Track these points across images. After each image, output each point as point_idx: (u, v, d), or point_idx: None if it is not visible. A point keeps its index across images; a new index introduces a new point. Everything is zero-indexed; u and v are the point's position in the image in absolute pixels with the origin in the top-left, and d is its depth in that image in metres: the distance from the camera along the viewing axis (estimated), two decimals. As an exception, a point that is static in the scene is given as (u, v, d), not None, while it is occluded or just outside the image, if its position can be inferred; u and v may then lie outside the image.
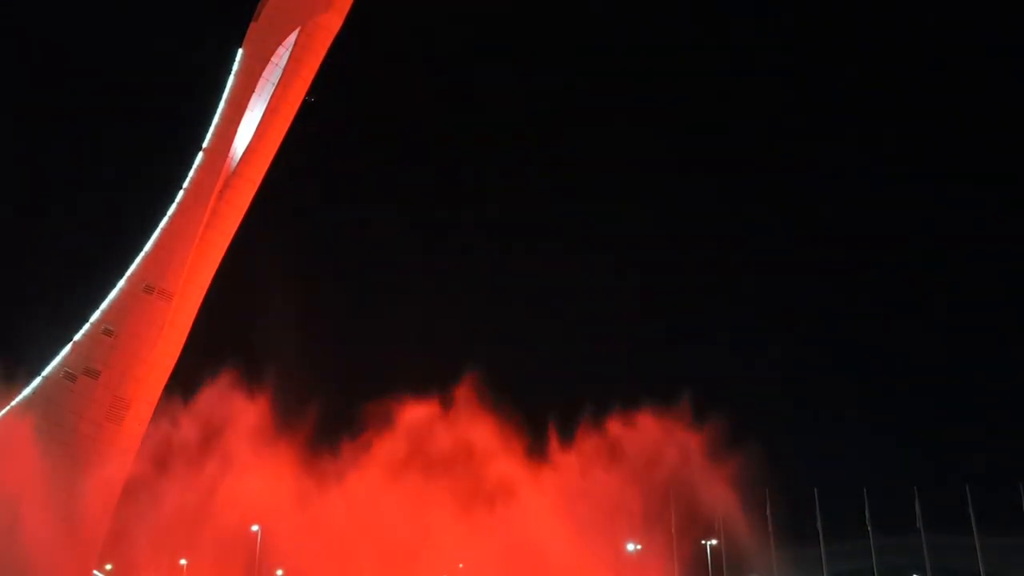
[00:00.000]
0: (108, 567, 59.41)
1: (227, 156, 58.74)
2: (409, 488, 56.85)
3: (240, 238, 60.39)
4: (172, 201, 58.40)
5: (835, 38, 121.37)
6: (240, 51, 60.10)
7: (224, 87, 59.63)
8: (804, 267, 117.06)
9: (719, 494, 64.59)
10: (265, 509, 57.51)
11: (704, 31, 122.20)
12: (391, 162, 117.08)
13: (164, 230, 58.00)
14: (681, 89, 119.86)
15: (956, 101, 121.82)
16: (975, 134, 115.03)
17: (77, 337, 56.81)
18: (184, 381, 58.35)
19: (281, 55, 59.64)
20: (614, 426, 60.28)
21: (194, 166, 58.74)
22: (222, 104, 59.42)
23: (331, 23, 60.74)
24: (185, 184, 58.47)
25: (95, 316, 57.07)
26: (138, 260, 57.71)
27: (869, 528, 70.40)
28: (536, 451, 60.31)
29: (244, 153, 59.31)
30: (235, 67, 59.86)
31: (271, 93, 59.49)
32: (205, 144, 58.97)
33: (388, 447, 58.50)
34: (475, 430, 58.83)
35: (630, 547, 62.99)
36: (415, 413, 59.15)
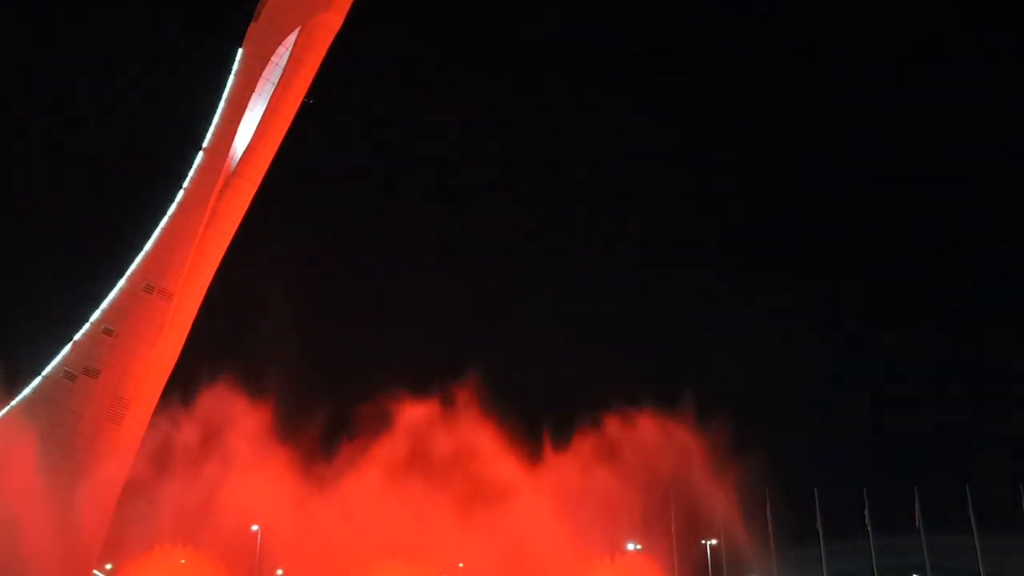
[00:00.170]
0: (108, 567, 59.41)
1: (227, 156, 58.74)
2: (408, 489, 56.86)
3: (240, 238, 60.42)
4: (172, 201, 58.38)
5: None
6: (240, 51, 60.08)
7: (224, 87, 59.60)
8: (804, 266, 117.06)
9: (719, 494, 64.64)
10: (264, 509, 57.54)
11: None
12: (389, 161, 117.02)
13: (164, 230, 57.99)
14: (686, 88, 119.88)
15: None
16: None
17: (77, 336, 56.82)
18: (184, 381, 58.45)
19: (281, 55, 59.62)
20: (614, 426, 60.32)
21: (194, 166, 58.74)
22: (222, 104, 59.42)
23: (331, 22, 60.72)
24: (185, 184, 58.47)
25: (95, 315, 57.08)
26: (138, 260, 57.71)
27: (869, 528, 70.39)
28: (535, 451, 60.37)
29: (244, 153, 59.31)
30: (235, 67, 59.86)
31: (271, 93, 59.44)
32: (205, 144, 58.97)
33: (387, 447, 58.53)
34: (474, 430, 58.85)
35: (630, 547, 62.99)
36: (414, 413, 59.17)
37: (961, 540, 69.32)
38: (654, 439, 60.15)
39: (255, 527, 61.37)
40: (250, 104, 59.35)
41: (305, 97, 60.53)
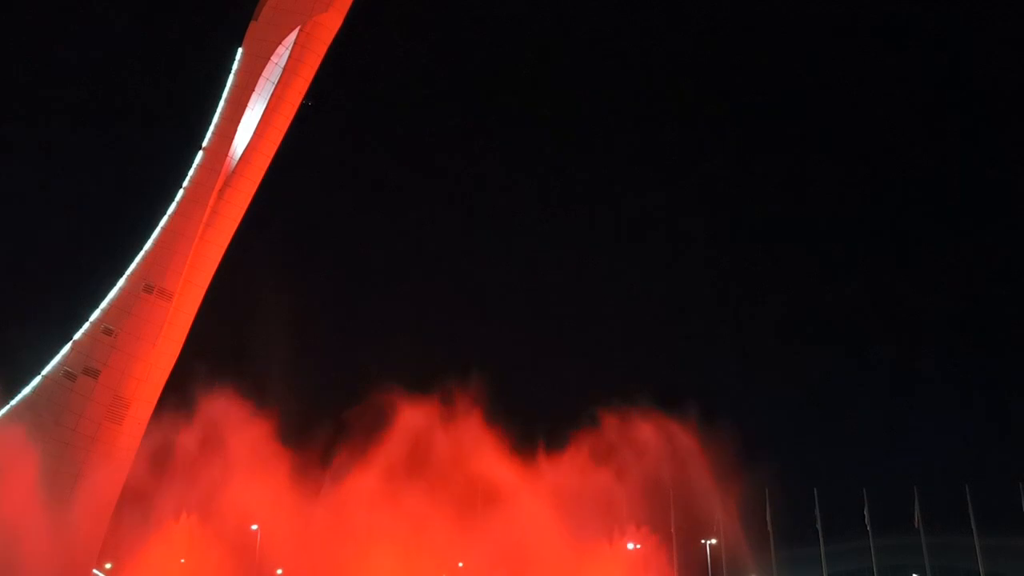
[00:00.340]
0: (108, 566, 59.44)
1: (227, 155, 58.65)
2: (407, 489, 56.84)
3: (240, 237, 60.39)
4: (172, 200, 58.35)
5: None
6: (240, 50, 60.03)
7: (224, 86, 59.55)
8: (804, 266, 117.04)
9: (719, 494, 64.64)
10: (264, 510, 57.54)
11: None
12: (386, 161, 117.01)
13: (164, 229, 57.95)
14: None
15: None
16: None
17: (77, 336, 56.80)
18: (184, 381, 58.43)
19: (281, 54, 59.55)
20: (613, 426, 60.28)
21: (194, 165, 58.67)
22: (222, 103, 59.34)
23: (331, 22, 60.62)
24: (185, 183, 58.39)
25: (95, 315, 57.06)
26: (138, 259, 57.67)
27: (869, 528, 70.41)
28: (535, 451, 60.35)
29: (244, 152, 59.23)
30: (235, 66, 59.78)
31: (271, 92, 59.41)
32: (205, 143, 58.90)
33: (386, 448, 58.50)
34: (473, 431, 58.83)
35: (630, 547, 62.98)
36: (413, 414, 59.15)
37: (961, 540, 69.34)
38: (654, 439, 60.15)
39: (255, 527, 61.44)
40: (250, 104, 59.24)
41: (304, 99, 60.46)
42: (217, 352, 63.70)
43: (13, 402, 55.84)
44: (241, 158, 59.18)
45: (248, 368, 63.79)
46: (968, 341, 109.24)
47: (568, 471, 59.03)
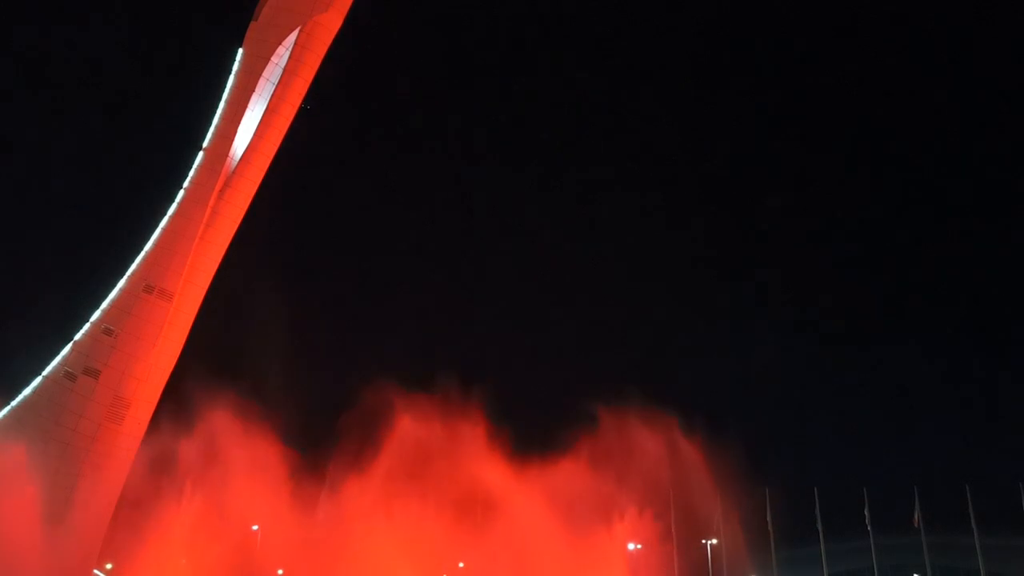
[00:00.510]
0: (108, 566, 59.45)
1: (227, 156, 58.61)
2: (406, 490, 56.88)
3: (240, 237, 60.37)
4: (172, 201, 58.33)
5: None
6: (240, 50, 59.99)
7: (224, 87, 59.52)
8: (804, 266, 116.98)
9: (719, 494, 64.65)
10: (264, 510, 57.57)
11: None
12: (386, 161, 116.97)
13: (164, 230, 57.93)
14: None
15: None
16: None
17: (77, 336, 56.79)
18: (183, 381, 58.46)
19: (281, 54, 59.52)
20: (614, 426, 60.29)
21: (194, 166, 58.65)
22: (222, 104, 59.30)
23: (331, 22, 60.61)
24: (185, 184, 58.37)
25: (95, 315, 57.05)
26: (138, 260, 57.66)
27: (869, 528, 70.40)
28: (534, 452, 60.36)
29: (244, 153, 59.21)
30: (235, 67, 59.73)
31: (271, 92, 59.38)
32: (205, 144, 58.87)
33: (384, 448, 58.54)
34: (472, 431, 58.87)
35: (630, 547, 63.02)
36: (412, 414, 59.18)
37: (961, 540, 69.36)
38: (654, 439, 60.18)
39: (255, 527, 61.46)
40: (250, 104, 59.20)
41: (303, 102, 60.43)
42: (217, 352, 63.79)
43: (13, 402, 55.84)
44: (241, 158, 59.16)
45: (248, 368, 63.89)
46: (968, 341, 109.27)
47: (568, 471, 59.04)
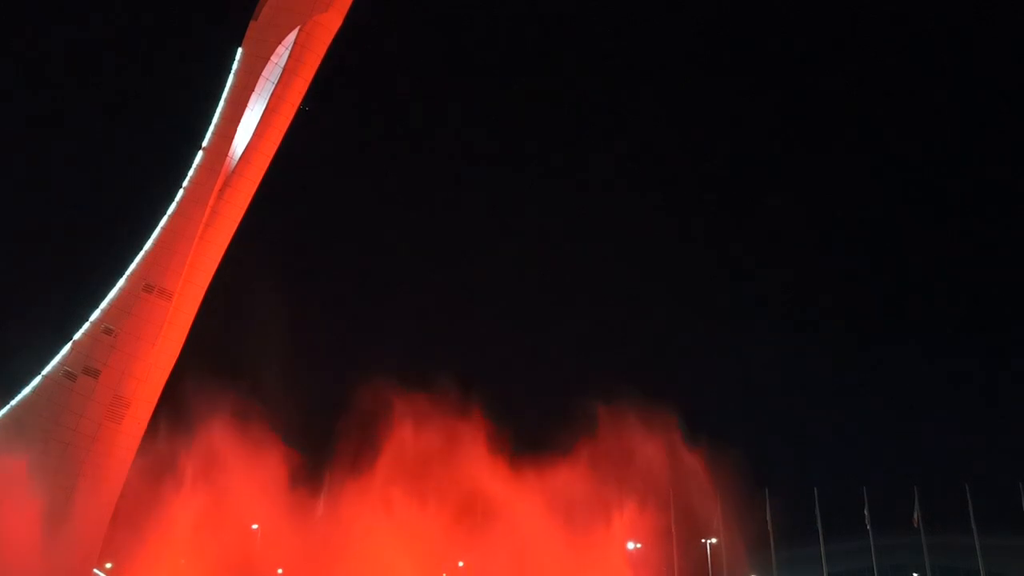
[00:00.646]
0: (108, 566, 59.45)
1: (227, 155, 58.62)
2: (406, 489, 56.89)
3: (239, 237, 60.38)
4: (172, 200, 58.33)
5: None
6: (240, 50, 59.98)
7: (224, 86, 59.52)
8: (804, 266, 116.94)
9: (719, 493, 64.62)
10: (263, 510, 57.57)
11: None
12: (386, 161, 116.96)
13: (164, 229, 57.92)
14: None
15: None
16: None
17: (77, 336, 56.77)
18: (183, 381, 58.45)
19: (281, 54, 59.51)
20: (614, 426, 60.28)
21: (194, 165, 58.65)
22: (222, 103, 59.28)
23: (331, 22, 60.61)
24: (185, 183, 58.36)
25: (95, 315, 57.03)
26: (138, 259, 57.65)
27: (869, 528, 70.36)
28: (535, 451, 60.36)
29: (244, 152, 59.22)
30: (235, 66, 59.72)
31: (271, 92, 59.38)
32: (205, 143, 58.85)
33: (384, 448, 58.55)
34: (471, 431, 58.88)
35: (630, 546, 63.04)
36: (411, 413, 59.18)
37: (961, 540, 69.32)
38: (653, 439, 60.18)
39: (255, 527, 61.46)
40: (250, 103, 59.20)
41: (302, 104, 60.43)
42: (217, 352, 63.77)
43: (13, 402, 55.82)
44: (241, 158, 59.17)
45: (248, 368, 63.86)
46: (968, 341, 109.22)
47: (568, 471, 59.05)
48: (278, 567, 64.86)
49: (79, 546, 52.55)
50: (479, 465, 58.40)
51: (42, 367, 56.46)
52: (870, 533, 70.05)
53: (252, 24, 60.12)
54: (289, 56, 59.49)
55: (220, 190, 58.42)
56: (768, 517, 69.76)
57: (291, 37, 59.41)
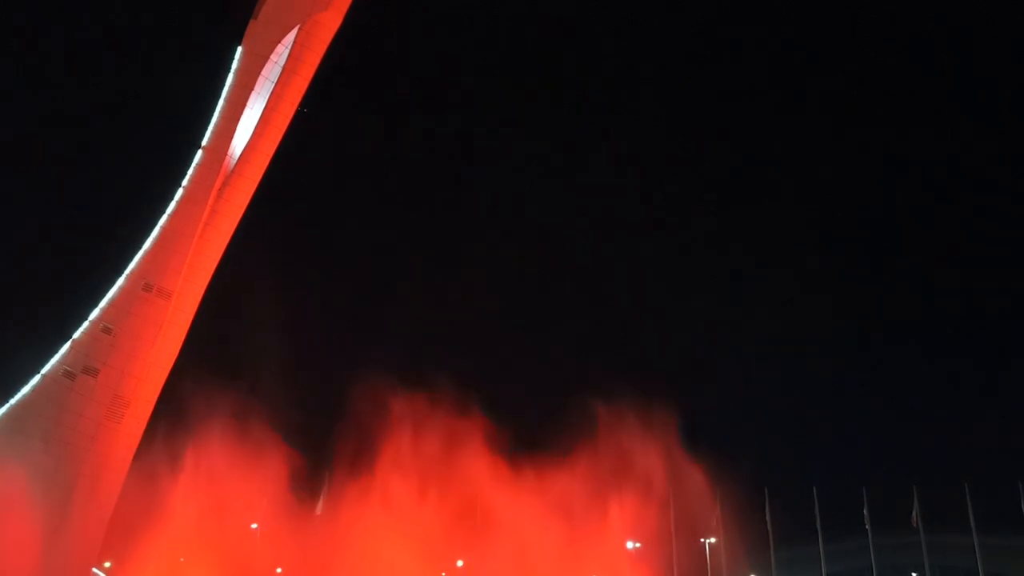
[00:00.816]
0: (108, 565, 59.45)
1: (227, 154, 58.60)
2: (405, 488, 56.91)
3: (239, 237, 60.37)
4: (172, 200, 58.31)
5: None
6: (240, 49, 59.95)
7: (224, 85, 59.48)
8: (804, 266, 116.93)
9: (718, 493, 64.59)
10: (263, 510, 57.60)
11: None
12: (385, 161, 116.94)
13: (163, 228, 57.90)
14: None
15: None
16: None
17: (76, 335, 56.74)
18: (182, 380, 58.44)
19: (281, 53, 59.49)
20: (613, 425, 60.28)
21: (193, 164, 58.62)
22: (221, 102, 59.23)
23: (331, 21, 60.57)
24: (184, 182, 58.34)
25: (94, 314, 57.00)
26: (137, 258, 57.63)
27: (868, 528, 70.36)
28: (535, 450, 60.35)
29: (243, 151, 59.20)
30: (234, 65, 59.68)
31: (271, 91, 59.35)
32: (204, 142, 58.82)
33: (383, 447, 58.56)
34: (471, 430, 58.89)
35: (629, 546, 63.03)
36: (411, 413, 59.18)
37: (961, 540, 69.30)
38: (653, 439, 60.17)
39: (255, 527, 61.48)
40: (250, 102, 59.17)
41: (300, 106, 60.40)
42: (217, 351, 63.75)
43: (12, 401, 55.81)
44: (240, 157, 59.15)
45: (248, 368, 63.84)
46: (968, 341, 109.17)
47: (567, 470, 59.05)
48: (277, 567, 64.87)
49: (78, 545, 52.56)
50: (479, 465, 58.40)
51: (41, 366, 56.44)
52: (869, 533, 70.05)
53: (252, 23, 60.05)
54: (289, 55, 59.46)
55: (220, 189, 58.40)
56: (767, 517, 69.77)
57: (291, 36, 59.39)
